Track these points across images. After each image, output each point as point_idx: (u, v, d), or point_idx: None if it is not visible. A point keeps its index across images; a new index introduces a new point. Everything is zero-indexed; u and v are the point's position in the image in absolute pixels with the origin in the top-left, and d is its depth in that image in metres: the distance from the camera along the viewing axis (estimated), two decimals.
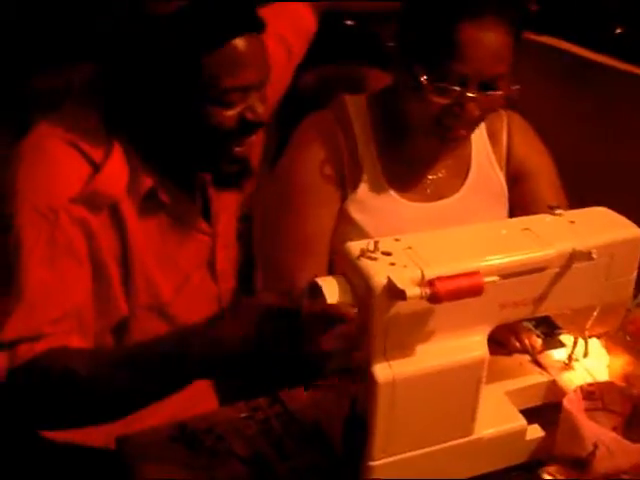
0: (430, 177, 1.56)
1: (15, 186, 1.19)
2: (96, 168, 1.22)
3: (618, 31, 2.38)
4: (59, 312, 1.18)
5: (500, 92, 1.38)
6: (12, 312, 1.14)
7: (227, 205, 1.46)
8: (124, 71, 1.23)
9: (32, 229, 1.18)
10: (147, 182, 1.26)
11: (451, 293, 0.95)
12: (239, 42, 1.17)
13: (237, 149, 1.27)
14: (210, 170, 1.33)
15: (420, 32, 1.38)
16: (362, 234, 1.50)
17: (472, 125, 1.45)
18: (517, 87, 1.40)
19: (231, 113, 1.22)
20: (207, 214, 1.42)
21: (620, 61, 2.35)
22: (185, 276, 1.37)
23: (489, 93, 1.37)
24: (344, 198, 1.52)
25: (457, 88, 1.35)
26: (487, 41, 1.34)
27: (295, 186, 1.52)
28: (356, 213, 1.52)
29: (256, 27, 1.21)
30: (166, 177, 1.30)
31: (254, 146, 1.32)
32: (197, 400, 1.42)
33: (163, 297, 1.33)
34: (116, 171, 1.24)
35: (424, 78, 1.35)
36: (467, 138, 1.51)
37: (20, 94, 1.62)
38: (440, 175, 1.56)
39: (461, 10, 1.34)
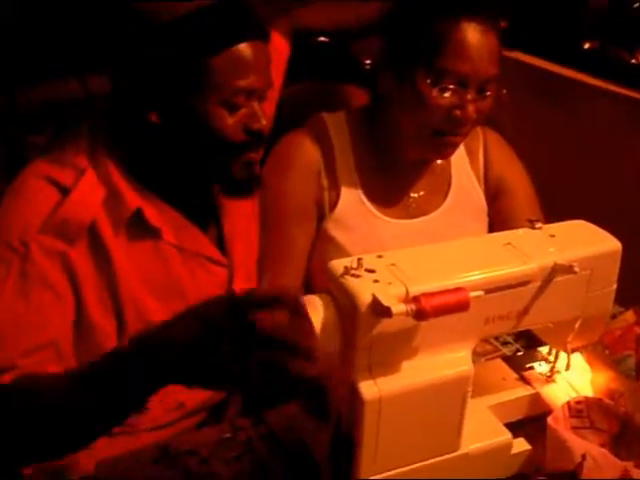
0: (412, 195, 1.57)
1: None
2: (65, 192, 1.22)
3: (587, 46, 2.41)
4: (33, 344, 1.16)
5: (492, 94, 1.42)
6: None
7: (243, 231, 1.43)
8: (128, 81, 1.23)
9: (3, 264, 1.18)
10: (132, 204, 1.25)
11: (437, 309, 0.95)
12: (245, 46, 1.21)
13: (251, 154, 1.28)
14: (221, 176, 1.31)
15: (419, 35, 1.40)
16: (341, 252, 1.50)
17: (466, 132, 1.46)
18: (504, 91, 1.43)
19: (232, 120, 1.23)
20: (223, 245, 1.40)
21: (589, 76, 2.39)
22: None
23: (486, 95, 1.41)
24: (322, 217, 1.53)
25: (458, 88, 1.38)
26: (485, 41, 1.38)
27: (272, 205, 1.51)
28: (335, 231, 1.52)
29: (261, 35, 1.25)
30: (167, 202, 1.30)
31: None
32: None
33: None
34: (87, 193, 1.23)
35: (428, 82, 1.38)
36: (458, 146, 1.52)
37: (11, 109, 1.61)
38: (422, 193, 1.58)
39: (460, 10, 1.38)
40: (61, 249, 1.20)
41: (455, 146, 1.49)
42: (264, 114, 1.26)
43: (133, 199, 1.25)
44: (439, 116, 1.40)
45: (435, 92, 1.38)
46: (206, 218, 1.38)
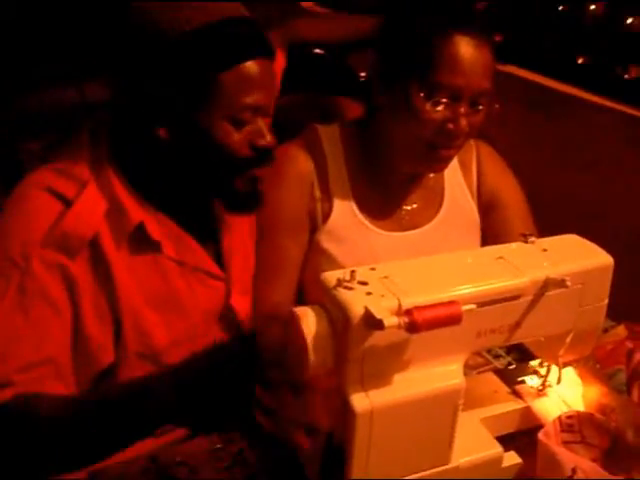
0: (405, 207, 1.57)
1: None
2: (67, 204, 1.22)
3: (580, 61, 2.42)
4: (30, 359, 1.16)
5: (485, 108, 1.42)
6: None
7: (240, 245, 1.44)
8: (136, 95, 1.23)
9: (2, 278, 1.18)
10: (135, 218, 1.25)
11: (429, 322, 0.95)
12: (253, 63, 1.22)
13: (256, 170, 1.29)
14: (225, 191, 1.31)
15: (413, 48, 1.40)
16: (334, 263, 1.50)
17: (459, 145, 1.46)
18: (497, 105, 1.43)
19: (238, 136, 1.23)
20: (220, 258, 1.40)
21: (582, 90, 2.40)
22: (191, 325, 1.33)
23: (478, 108, 1.41)
24: (315, 229, 1.53)
25: (451, 102, 1.38)
26: (478, 55, 1.38)
27: (265, 216, 1.51)
28: (327, 243, 1.52)
29: (268, 52, 1.26)
30: (169, 216, 1.30)
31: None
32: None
33: (156, 345, 1.29)
34: (89, 206, 1.23)
35: (421, 95, 1.38)
36: (451, 160, 1.52)
37: (6, 115, 1.61)
38: (415, 206, 1.58)
39: (453, 24, 1.38)
40: (62, 262, 1.19)
41: (448, 160, 1.49)
42: (269, 130, 1.27)
43: (136, 213, 1.25)
44: (432, 129, 1.40)
45: (428, 106, 1.39)
46: (205, 232, 1.38)
